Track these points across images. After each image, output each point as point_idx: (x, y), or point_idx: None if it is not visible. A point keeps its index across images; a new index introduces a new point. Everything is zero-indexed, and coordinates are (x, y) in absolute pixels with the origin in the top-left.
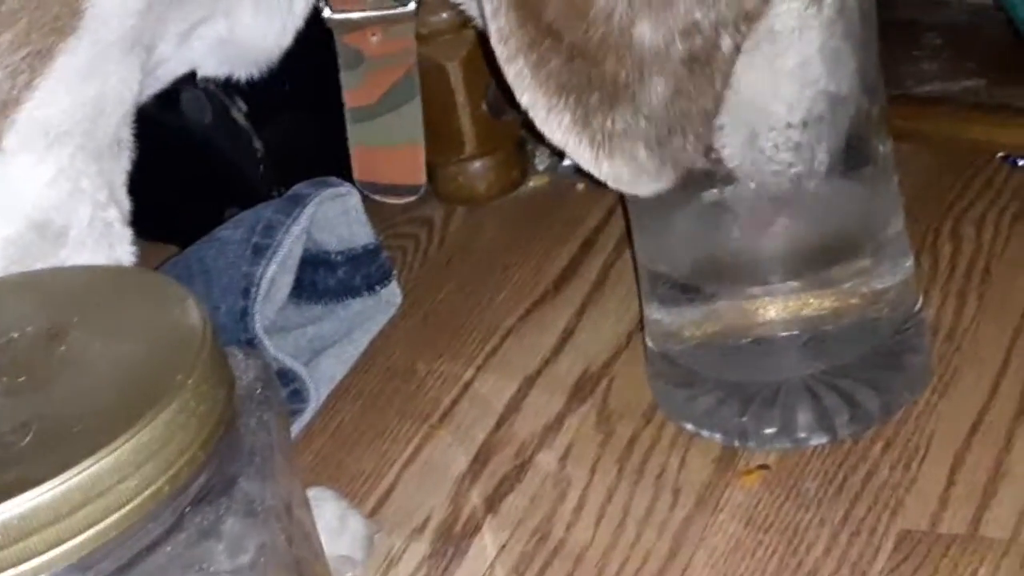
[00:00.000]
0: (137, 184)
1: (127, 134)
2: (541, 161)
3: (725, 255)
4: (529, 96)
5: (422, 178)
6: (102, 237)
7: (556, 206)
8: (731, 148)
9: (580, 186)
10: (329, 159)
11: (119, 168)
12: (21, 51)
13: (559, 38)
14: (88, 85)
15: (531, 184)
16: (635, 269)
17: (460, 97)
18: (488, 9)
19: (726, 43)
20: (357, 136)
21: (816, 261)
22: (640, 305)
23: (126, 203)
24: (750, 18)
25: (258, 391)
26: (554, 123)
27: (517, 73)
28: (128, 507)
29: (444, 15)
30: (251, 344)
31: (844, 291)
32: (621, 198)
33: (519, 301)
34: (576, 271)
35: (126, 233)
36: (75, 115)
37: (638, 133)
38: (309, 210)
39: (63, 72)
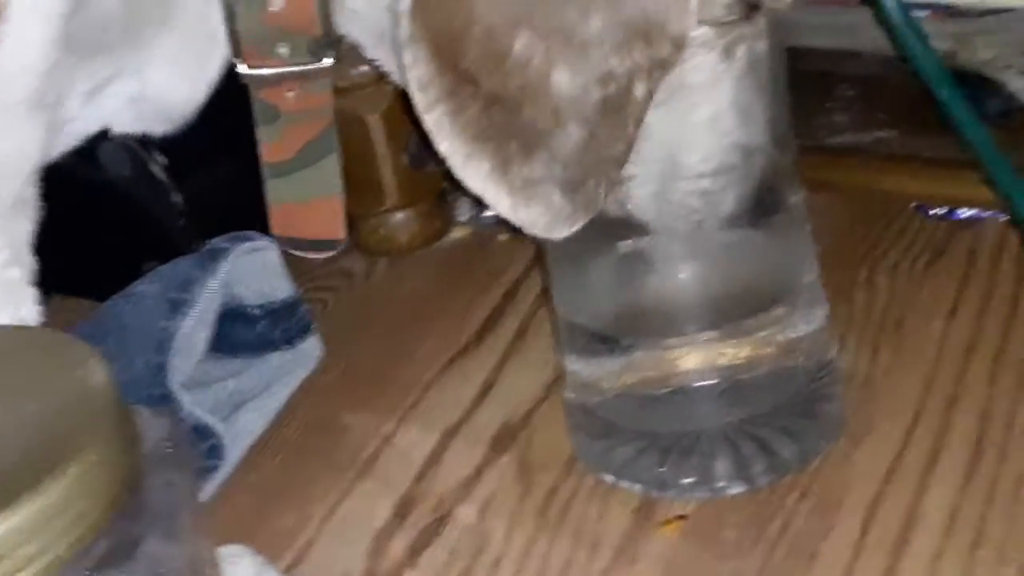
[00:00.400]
0: (55, 238)
1: (31, 193)
2: (463, 212)
3: (641, 306)
4: (448, 144)
5: (342, 232)
6: (6, 297)
7: (478, 257)
8: (641, 197)
9: (502, 237)
10: (250, 213)
11: (22, 228)
12: None
13: (478, 86)
14: None
15: (453, 235)
16: (553, 320)
17: (381, 149)
18: (407, 58)
19: (639, 90)
20: (274, 192)
21: (731, 311)
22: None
23: (30, 262)
24: (663, 66)
25: (165, 451)
26: (472, 171)
27: (436, 121)
28: (27, 574)
29: (364, 68)
30: (167, 400)
31: (759, 340)
32: (539, 249)
33: (440, 353)
34: (498, 322)
35: (30, 292)
36: None
37: (554, 179)
38: (227, 264)
39: None
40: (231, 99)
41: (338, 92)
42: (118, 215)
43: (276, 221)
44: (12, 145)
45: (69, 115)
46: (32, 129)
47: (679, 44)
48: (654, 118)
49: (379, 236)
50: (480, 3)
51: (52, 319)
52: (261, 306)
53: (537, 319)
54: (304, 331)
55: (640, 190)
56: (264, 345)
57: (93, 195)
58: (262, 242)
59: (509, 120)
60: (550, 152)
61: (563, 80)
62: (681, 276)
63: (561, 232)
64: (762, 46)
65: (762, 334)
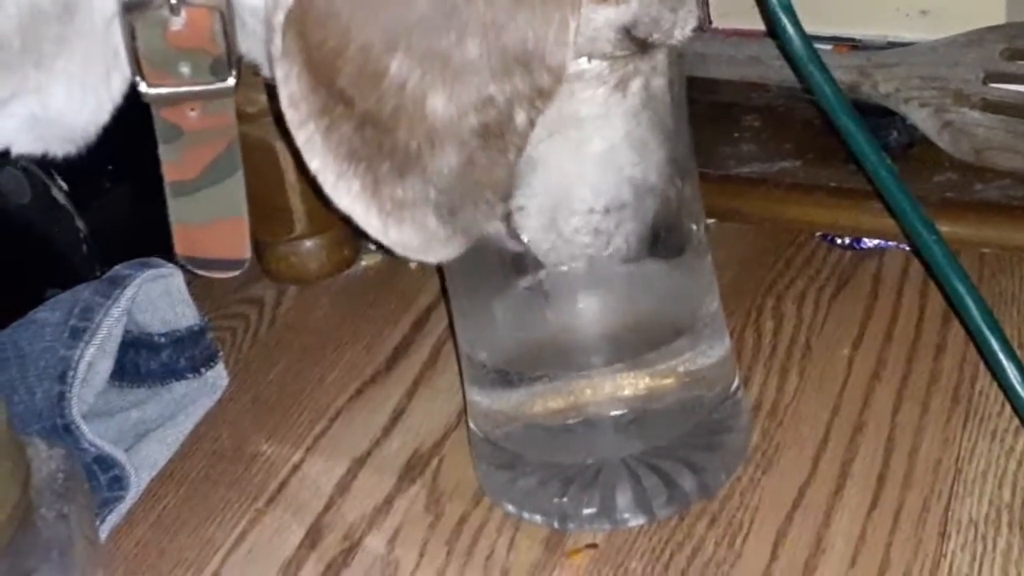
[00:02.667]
0: None
1: None
2: (373, 240)
3: (542, 340)
4: (319, 162)
5: (246, 252)
6: None
7: (389, 285)
8: (531, 230)
9: (413, 265)
10: (155, 239)
11: None
12: None
13: (351, 105)
14: None
15: (363, 263)
16: (456, 353)
17: (290, 176)
18: (279, 74)
19: (520, 118)
20: (177, 211)
21: (632, 344)
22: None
23: None
24: (544, 96)
25: (59, 482)
26: (343, 190)
27: (307, 139)
28: None
29: None
30: (67, 430)
31: (661, 372)
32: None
33: (350, 381)
34: (407, 351)
35: None
36: None
37: (428, 202)
38: (129, 291)
39: None
40: (135, 122)
41: (246, 118)
42: (18, 241)
43: (180, 241)
44: None
45: None
46: None
47: (558, 75)
48: (545, 149)
49: (288, 263)
50: (356, 22)
51: None
52: (166, 334)
53: (447, 349)
54: (210, 359)
55: (531, 222)
56: (169, 374)
57: None
58: (166, 269)
59: (382, 141)
60: (424, 175)
61: (439, 104)
62: (581, 310)
63: (439, 256)
64: (659, 82)
65: (663, 366)
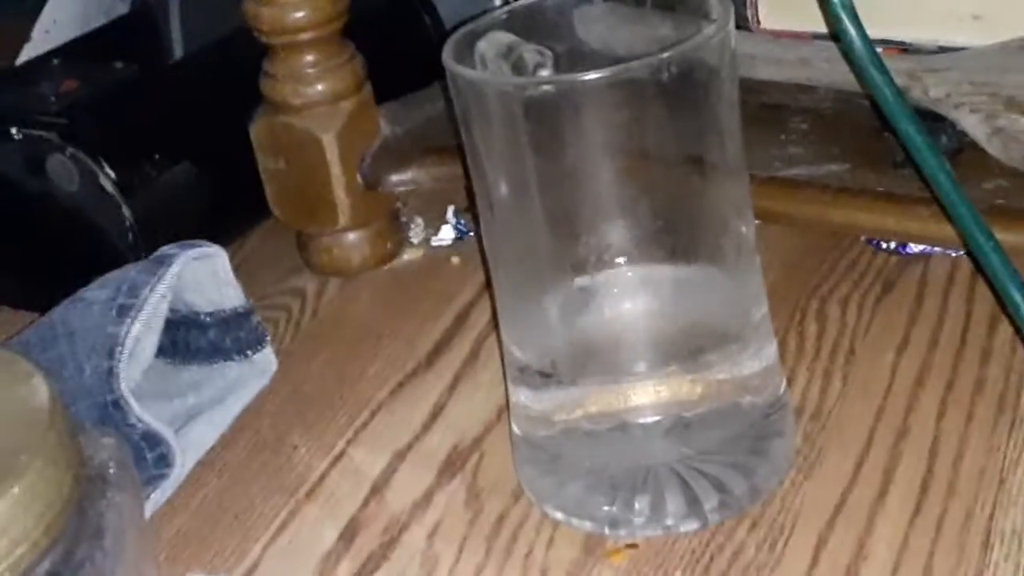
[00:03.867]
0: (3, 251)
1: None
2: (415, 234)
3: (590, 341)
4: None
5: None
6: None
7: (430, 279)
8: None
9: (454, 260)
10: (199, 227)
11: None
12: None
13: None
14: None
15: (405, 257)
16: (500, 352)
17: (335, 169)
18: None
19: None
20: None
21: (681, 347)
22: None
23: None
24: None
25: (111, 471)
26: None
27: None
28: None
29: (319, 87)
30: (116, 405)
31: (710, 376)
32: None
33: (391, 375)
34: (449, 345)
35: None
36: None
37: None
38: (174, 269)
39: None
40: (182, 110)
41: (292, 110)
42: (67, 229)
43: None
44: None
45: None
46: None
47: None
48: None
49: (331, 256)
50: None
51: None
52: (211, 313)
53: (489, 343)
54: (258, 342)
55: None
56: (216, 353)
57: (42, 208)
58: (211, 249)
59: None
60: None
61: None
62: (630, 311)
63: None
64: None
65: (711, 371)
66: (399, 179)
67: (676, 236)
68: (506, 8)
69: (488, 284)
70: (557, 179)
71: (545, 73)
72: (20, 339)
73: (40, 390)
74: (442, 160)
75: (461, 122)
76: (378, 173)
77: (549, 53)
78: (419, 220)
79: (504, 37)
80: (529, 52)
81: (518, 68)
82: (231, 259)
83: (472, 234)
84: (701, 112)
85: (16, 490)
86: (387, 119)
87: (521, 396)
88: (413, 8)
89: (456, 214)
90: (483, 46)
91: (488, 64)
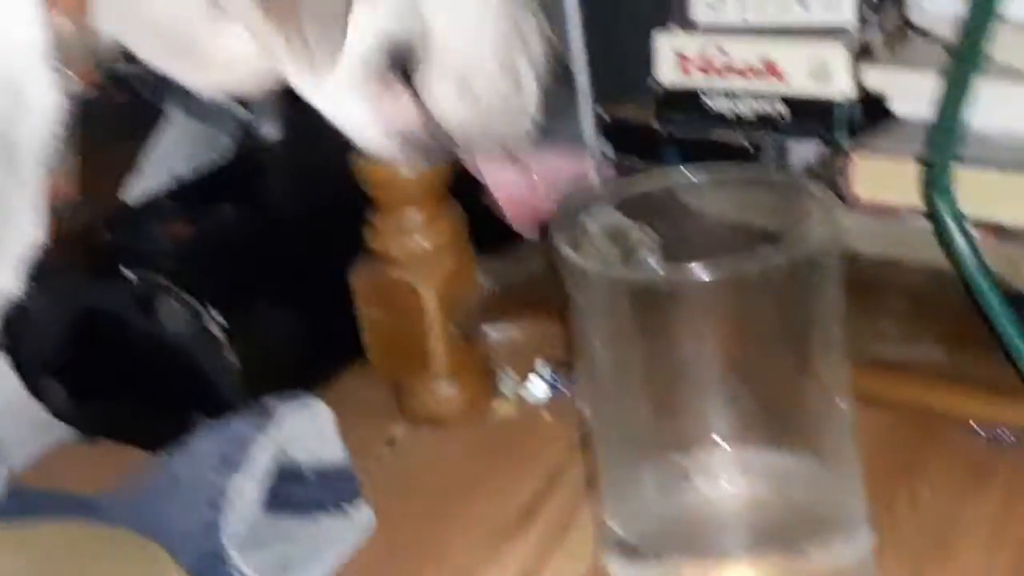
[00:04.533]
0: (107, 384)
1: None
2: (507, 387)
3: (686, 519)
4: None
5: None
6: None
7: (521, 434)
8: (445, 100)
9: (546, 415)
10: (301, 375)
11: None
12: None
13: None
14: None
15: (496, 409)
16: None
17: (433, 321)
18: None
19: None
20: None
21: (775, 534)
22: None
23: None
24: None
25: None
26: None
27: None
28: None
29: (421, 241)
30: (218, 557)
31: (801, 563)
32: (587, 442)
33: (483, 535)
34: (540, 508)
35: None
36: None
37: (305, 13)
38: (281, 424)
39: None
40: (285, 256)
41: (394, 262)
42: (171, 368)
43: None
44: None
45: None
46: None
47: None
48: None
49: (424, 405)
50: None
51: (100, 463)
52: (313, 467)
53: (580, 507)
54: (355, 496)
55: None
56: (313, 506)
57: (149, 347)
58: (317, 405)
59: None
60: None
61: None
62: (725, 492)
63: (309, 83)
64: None
65: (806, 558)
66: (495, 334)
67: (776, 422)
68: (614, 186)
69: (580, 444)
70: (660, 361)
71: (650, 255)
72: (130, 485)
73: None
74: (538, 317)
75: (571, 299)
76: (474, 327)
77: (655, 235)
78: (511, 373)
79: (611, 215)
80: (635, 232)
81: (624, 248)
82: (324, 399)
83: (564, 390)
84: (806, 301)
85: None
86: (485, 273)
87: (613, 565)
88: None
89: (548, 369)
90: (590, 223)
91: (594, 242)
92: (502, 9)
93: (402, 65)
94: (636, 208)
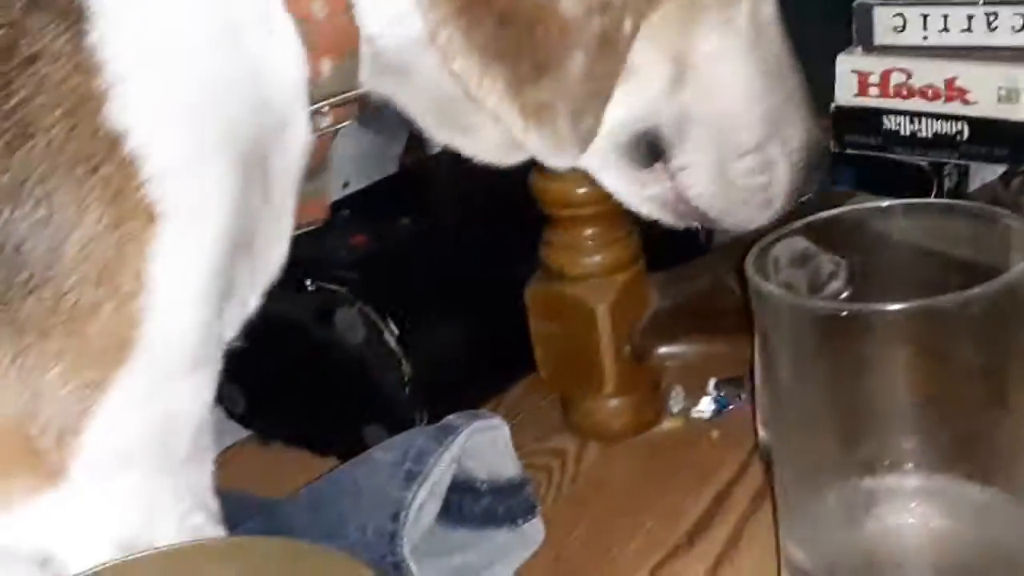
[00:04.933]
0: (283, 390)
1: (206, 439)
2: (676, 404)
3: (873, 551)
4: (461, 61)
5: None
6: None
7: (688, 452)
8: (700, 184)
9: (714, 433)
10: (473, 387)
11: (201, 472)
12: (69, 385)
13: (489, 3)
14: (151, 408)
15: (664, 426)
16: (776, 544)
17: (605, 338)
18: None
19: (627, 25)
20: None
21: (961, 569)
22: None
23: (213, 503)
24: (653, 3)
25: None
26: (487, 89)
27: (447, 39)
28: None
29: (597, 259)
30: (397, 568)
31: None
32: (768, 467)
33: (651, 552)
34: (709, 525)
35: (217, 532)
36: (142, 438)
37: (561, 105)
38: (460, 440)
39: (120, 400)
40: (459, 269)
41: (569, 280)
42: (347, 378)
43: None
44: (177, 404)
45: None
46: (197, 383)
47: None
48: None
49: (593, 420)
50: None
51: (274, 467)
52: (488, 481)
53: (750, 526)
54: (528, 512)
55: (699, 176)
56: (487, 520)
57: (327, 356)
58: (495, 421)
59: (521, 40)
60: (558, 77)
61: (568, 3)
62: (911, 527)
63: (560, 162)
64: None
65: None
66: (666, 352)
67: (968, 455)
68: (807, 214)
69: (748, 461)
70: (848, 389)
71: (838, 283)
72: (310, 491)
73: None
74: (709, 337)
75: (756, 323)
76: (646, 345)
77: (844, 263)
78: (680, 390)
79: (799, 243)
80: (824, 261)
81: (812, 276)
82: (493, 411)
83: (732, 408)
84: (1004, 332)
85: None
86: (657, 291)
87: None
88: None
89: (717, 387)
90: (778, 250)
91: (781, 270)
92: (766, 97)
93: (656, 148)
94: (825, 235)
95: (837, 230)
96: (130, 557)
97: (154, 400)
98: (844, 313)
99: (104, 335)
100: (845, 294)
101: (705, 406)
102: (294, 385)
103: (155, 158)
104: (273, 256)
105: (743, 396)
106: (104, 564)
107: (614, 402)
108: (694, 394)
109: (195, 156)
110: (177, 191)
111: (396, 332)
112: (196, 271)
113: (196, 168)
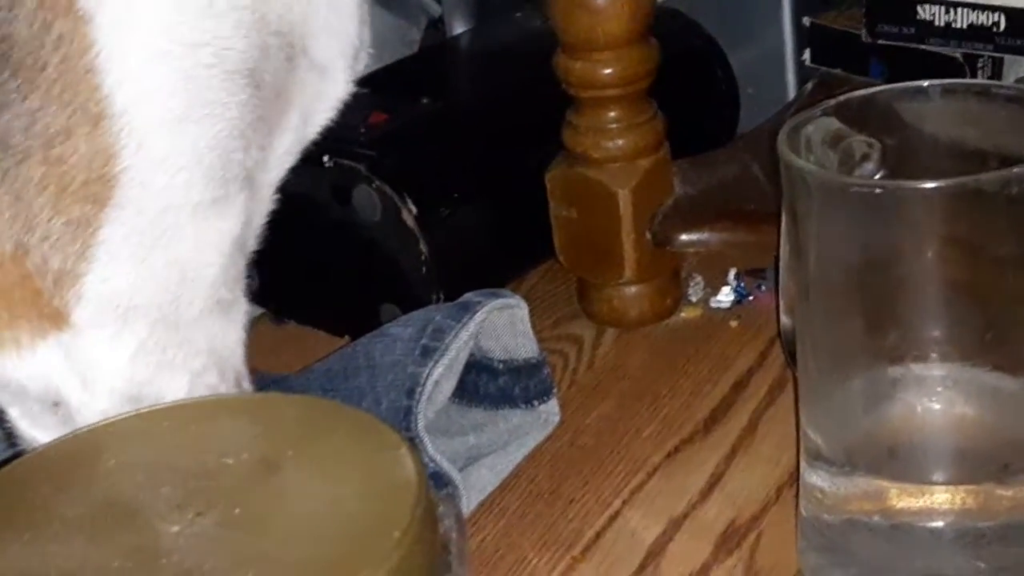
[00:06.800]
0: (299, 269)
1: (237, 291)
2: (695, 292)
3: (895, 438)
4: None
5: None
6: None
7: (707, 341)
8: None
9: (733, 323)
10: (490, 269)
11: (225, 328)
12: (57, 220)
13: None
14: (152, 255)
15: (682, 315)
16: (796, 426)
17: (626, 224)
18: None
19: None
20: None
21: (989, 460)
22: (797, 463)
23: (238, 362)
24: None
25: (453, 541)
26: None
27: None
28: None
29: (620, 142)
30: (411, 443)
31: (1015, 493)
32: (789, 355)
33: (667, 437)
34: (727, 413)
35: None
36: (145, 288)
37: None
38: (478, 317)
39: (114, 243)
40: (480, 151)
41: (591, 162)
42: (363, 256)
43: None
44: (182, 253)
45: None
46: (207, 232)
47: None
48: None
49: (611, 307)
50: None
51: (287, 345)
52: (505, 361)
53: (767, 416)
54: (544, 393)
55: None
56: (503, 400)
57: (344, 235)
58: (514, 300)
59: None
60: None
61: None
62: (938, 415)
63: None
64: None
65: (1013, 491)
66: (688, 240)
67: (998, 344)
68: (839, 98)
69: (768, 351)
70: (882, 274)
71: (871, 165)
72: (324, 365)
73: (407, 462)
74: (733, 225)
75: (785, 204)
76: (668, 232)
77: (877, 144)
78: (699, 279)
79: (832, 124)
80: (857, 142)
81: (845, 157)
82: None
83: (752, 298)
84: None
85: (391, 565)
86: (680, 178)
87: (816, 479)
88: (709, 64)
89: (737, 277)
90: (810, 131)
91: (814, 150)
92: None
93: None
94: (858, 117)
95: (870, 111)
96: (143, 409)
97: (155, 247)
98: (878, 191)
99: (82, 165)
100: (878, 176)
101: (725, 296)
102: (311, 264)
103: None
104: (314, 106)
105: (764, 287)
106: (115, 417)
107: (633, 289)
108: (714, 284)
109: None
110: None
111: (414, 211)
112: (161, 85)
113: None
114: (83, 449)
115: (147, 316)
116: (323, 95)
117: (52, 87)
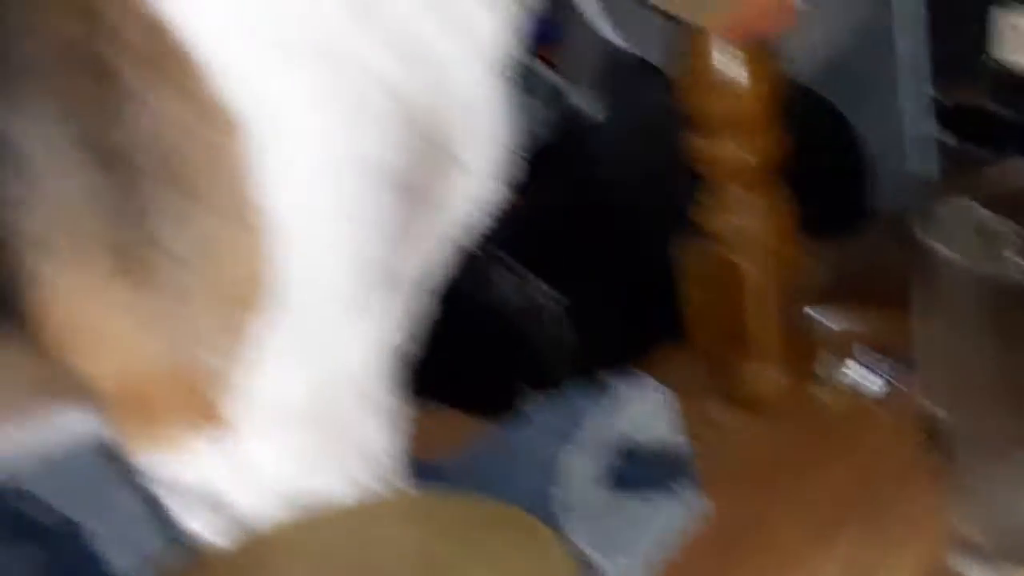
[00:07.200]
0: (439, 352)
1: (389, 389)
2: (830, 374)
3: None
4: None
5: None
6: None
7: (845, 422)
8: None
9: (873, 408)
10: (623, 351)
11: (375, 427)
12: (214, 325)
13: None
14: (306, 357)
15: (821, 396)
16: (945, 518)
17: (763, 304)
18: None
19: None
20: None
21: None
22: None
23: (392, 460)
24: None
25: None
26: None
27: None
28: None
29: (753, 221)
30: (561, 535)
31: None
32: (930, 439)
33: (812, 524)
34: (872, 498)
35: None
36: (300, 390)
37: None
38: (619, 401)
39: (269, 347)
40: (616, 236)
41: (720, 240)
42: (505, 338)
43: None
44: (339, 355)
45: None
46: (352, 335)
47: None
48: None
49: (744, 386)
50: None
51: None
52: (646, 446)
53: (918, 502)
54: (686, 477)
55: None
56: (643, 483)
57: (481, 316)
58: (654, 385)
59: None
60: None
61: None
62: None
63: None
64: None
65: None
66: (822, 320)
67: None
68: (979, 181)
69: (905, 440)
70: (1020, 360)
71: (1015, 253)
72: (468, 451)
73: (561, 560)
74: (869, 309)
75: (922, 294)
76: (800, 311)
77: (1021, 232)
78: (837, 361)
79: (975, 211)
80: (1002, 229)
81: (988, 244)
82: None
83: (887, 380)
84: None
85: None
86: (816, 259)
87: (966, 570)
88: (840, 143)
89: (873, 359)
90: (952, 218)
91: (955, 238)
92: None
93: None
94: (1002, 204)
95: (1013, 198)
96: (308, 515)
97: (306, 347)
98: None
99: (238, 271)
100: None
101: (862, 377)
102: (450, 346)
103: None
104: (461, 206)
105: (900, 369)
106: (280, 524)
107: (770, 370)
108: (848, 365)
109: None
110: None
111: (551, 293)
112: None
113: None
114: (250, 558)
115: (302, 417)
116: (470, 197)
117: (209, 196)
